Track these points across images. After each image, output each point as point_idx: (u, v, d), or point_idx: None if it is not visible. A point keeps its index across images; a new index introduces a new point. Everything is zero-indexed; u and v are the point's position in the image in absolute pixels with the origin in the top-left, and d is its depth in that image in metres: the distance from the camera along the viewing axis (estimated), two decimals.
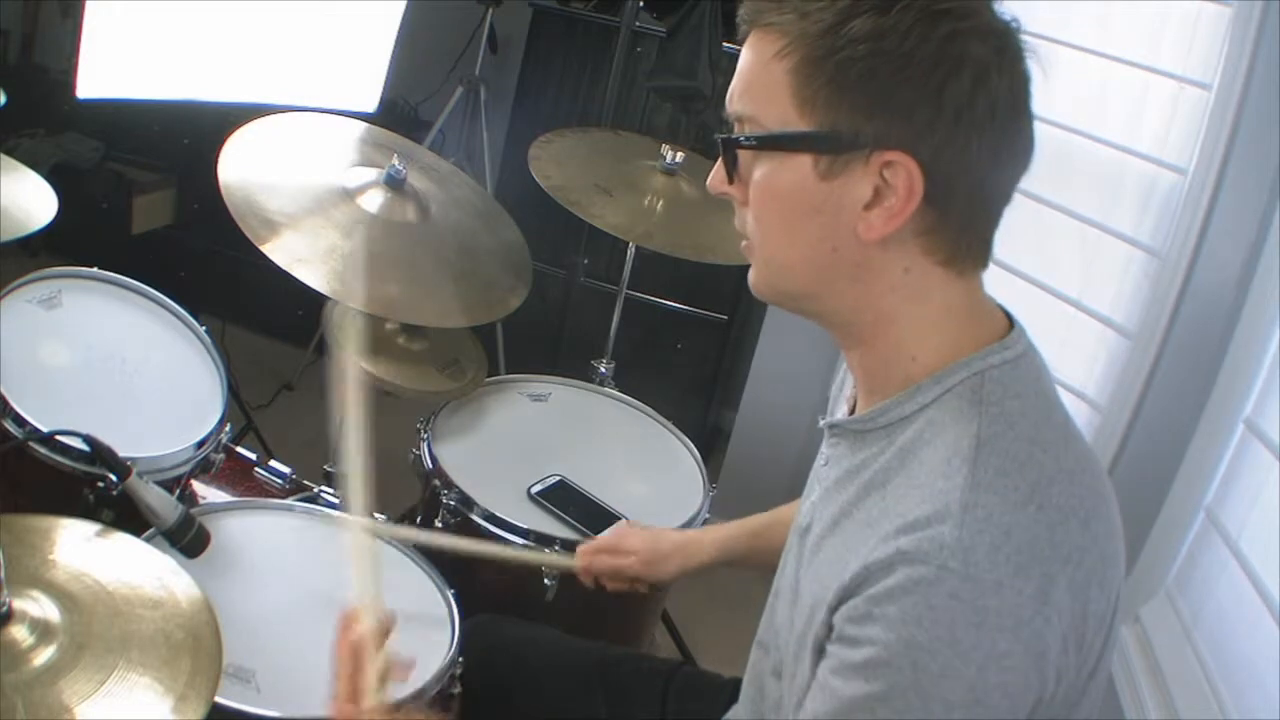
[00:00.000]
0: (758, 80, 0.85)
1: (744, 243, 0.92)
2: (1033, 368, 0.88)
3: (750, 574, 1.36)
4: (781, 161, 0.85)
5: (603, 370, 2.07)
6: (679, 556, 1.38)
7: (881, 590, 0.77)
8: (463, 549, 1.42)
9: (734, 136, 0.87)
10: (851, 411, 0.97)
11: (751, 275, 0.93)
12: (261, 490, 1.59)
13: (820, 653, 0.84)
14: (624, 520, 1.53)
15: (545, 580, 1.48)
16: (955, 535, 0.76)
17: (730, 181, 0.90)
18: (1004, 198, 0.86)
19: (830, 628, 0.82)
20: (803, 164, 0.83)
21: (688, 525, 1.59)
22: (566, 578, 1.48)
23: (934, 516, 0.78)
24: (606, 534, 1.43)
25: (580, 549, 1.42)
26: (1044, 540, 0.78)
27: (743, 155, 0.88)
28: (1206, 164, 1.61)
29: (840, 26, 0.80)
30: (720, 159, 0.90)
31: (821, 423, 0.99)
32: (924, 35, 0.79)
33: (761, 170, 0.86)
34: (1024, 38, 0.82)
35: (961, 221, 0.85)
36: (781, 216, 0.87)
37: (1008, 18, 0.82)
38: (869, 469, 0.88)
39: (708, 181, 0.93)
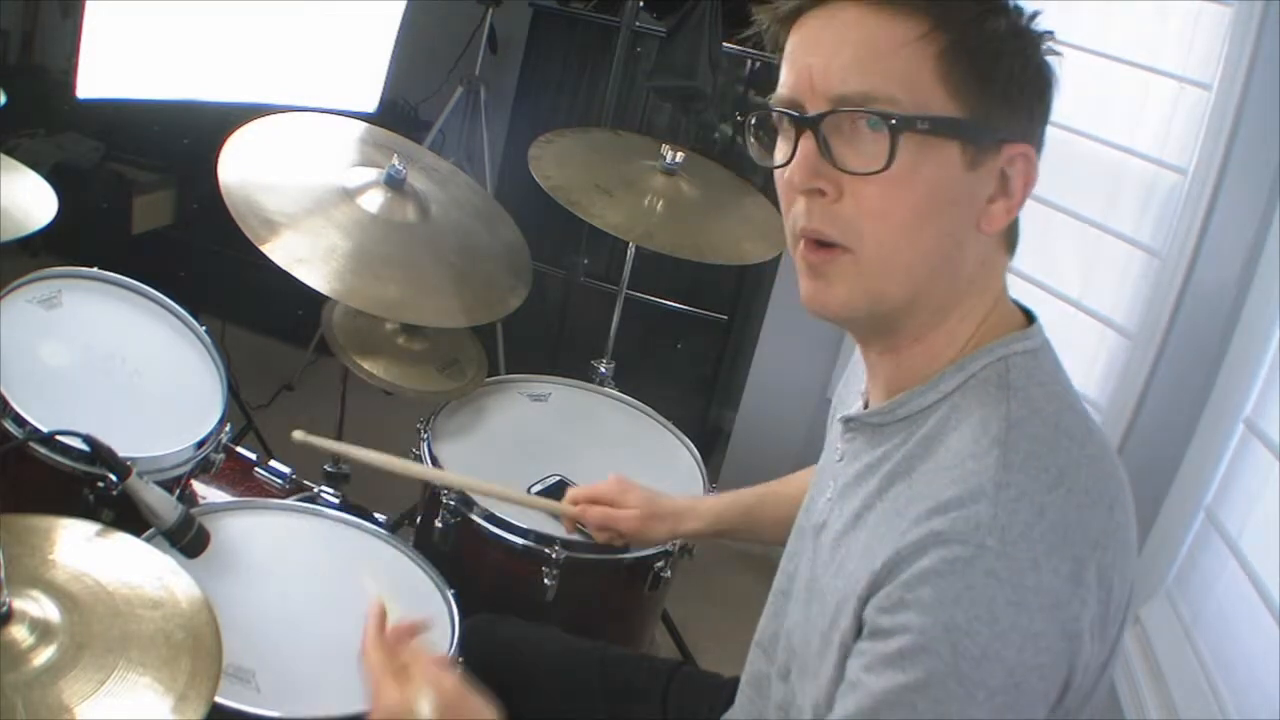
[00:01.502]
0: (894, 60, 0.80)
1: (811, 252, 0.84)
2: (1052, 361, 0.88)
3: (737, 542, 1.37)
4: (930, 148, 0.80)
5: (603, 370, 2.07)
6: (671, 521, 1.39)
7: (915, 573, 0.76)
8: (450, 482, 1.47)
9: (899, 115, 0.79)
10: (865, 406, 0.96)
11: (824, 288, 0.84)
12: (261, 490, 1.59)
13: (847, 651, 0.82)
14: (615, 475, 1.47)
15: (545, 580, 1.48)
16: (990, 513, 0.76)
17: (883, 166, 0.80)
18: None
19: (860, 623, 0.80)
20: (951, 152, 0.81)
21: None
22: (567, 575, 1.48)
23: (967, 496, 0.77)
24: (603, 485, 1.42)
25: (573, 494, 1.42)
26: (1074, 522, 0.78)
27: (862, 140, 0.80)
28: (1206, 164, 1.61)
29: (985, 19, 0.81)
30: (812, 147, 0.82)
31: (838, 417, 0.98)
32: (1037, 44, 0.84)
33: (909, 156, 0.80)
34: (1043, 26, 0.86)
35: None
36: (917, 208, 0.81)
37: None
38: (890, 460, 0.87)
39: (795, 173, 0.83)
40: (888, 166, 0.80)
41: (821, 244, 0.84)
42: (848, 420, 0.95)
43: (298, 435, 1.37)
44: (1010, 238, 0.89)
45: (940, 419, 0.85)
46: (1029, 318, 0.91)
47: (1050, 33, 0.85)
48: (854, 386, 1.02)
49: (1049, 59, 0.85)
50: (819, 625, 0.89)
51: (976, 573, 0.74)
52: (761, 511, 1.36)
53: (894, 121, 0.79)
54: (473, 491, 1.50)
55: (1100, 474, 0.82)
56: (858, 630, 0.81)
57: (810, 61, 0.83)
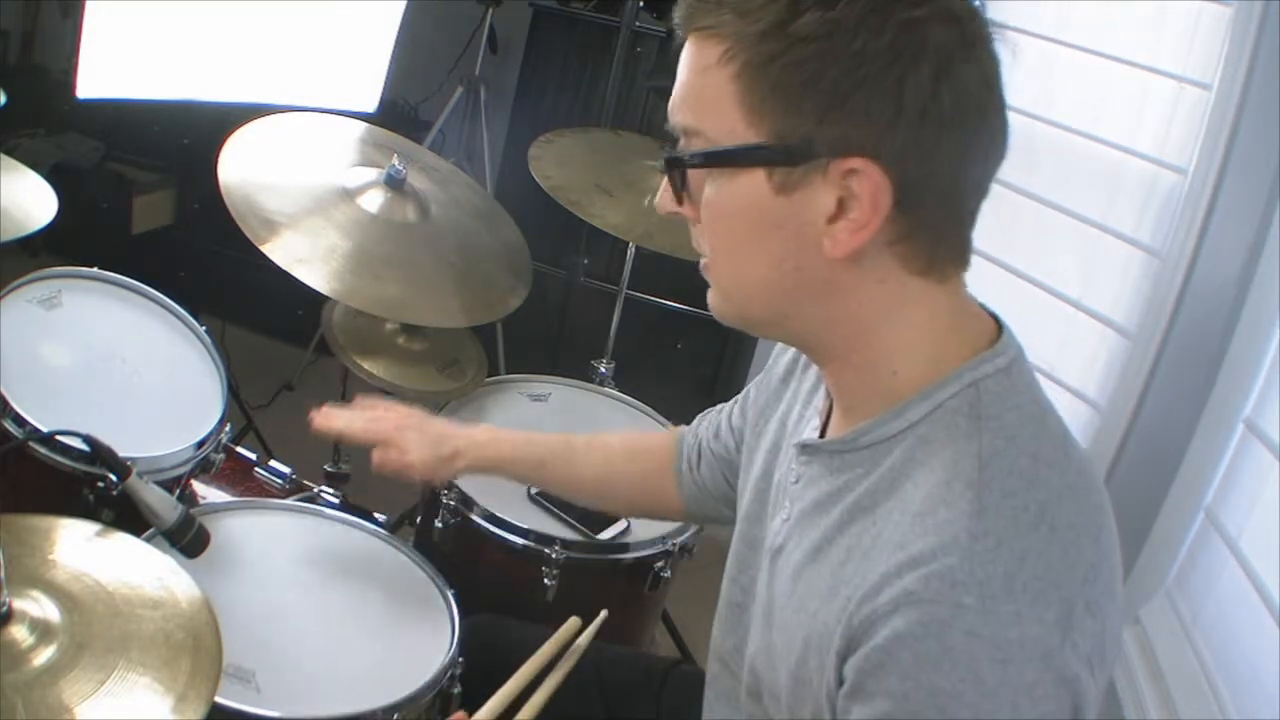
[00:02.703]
0: (699, 90, 0.78)
1: (702, 262, 0.86)
2: (1025, 374, 0.83)
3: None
4: (733, 178, 0.78)
5: (603, 370, 2.07)
6: (451, 464, 1.31)
7: (891, 636, 0.72)
8: None
9: (678, 154, 0.80)
10: (824, 425, 0.93)
11: (712, 298, 0.86)
12: (261, 490, 1.59)
13: (829, 701, 0.79)
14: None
15: (545, 580, 1.48)
16: (967, 569, 0.71)
17: (679, 201, 0.83)
18: (979, 193, 0.80)
19: (841, 678, 0.76)
20: (756, 179, 0.77)
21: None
22: (567, 575, 1.48)
23: (940, 549, 0.72)
24: (380, 424, 1.32)
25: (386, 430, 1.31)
26: (1059, 563, 0.73)
27: (691, 173, 0.81)
28: (1206, 164, 1.61)
29: (785, 25, 0.73)
30: (665, 179, 0.83)
31: (794, 443, 0.93)
32: (877, 27, 0.71)
33: (712, 188, 0.79)
34: (989, 19, 0.76)
35: (936, 225, 0.78)
36: (737, 236, 0.80)
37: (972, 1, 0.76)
38: (852, 492, 0.83)
39: (656, 202, 0.86)
40: (679, 202, 0.83)
41: None
42: (804, 446, 0.91)
43: None
44: (921, 257, 0.79)
45: (907, 451, 0.80)
46: (999, 326, 0.85)
47: (915, 5, 0.72)
48: (813, 404, 0.98)
49: (928, 35, 0.72)
50: (785, 660, 0.86)
51: (955, 634, 0.70)
52: (556, 468, 1.31)
53: (670, 160, 0.81)
54: None
55: (1083, 503, 0.78)
56: (839, 683, 0.77)
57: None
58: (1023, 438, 0.78)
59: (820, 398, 0.96)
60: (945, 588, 0.71)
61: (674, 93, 0.81)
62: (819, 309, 0.81)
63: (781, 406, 1.05)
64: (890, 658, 0.72)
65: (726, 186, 0.79)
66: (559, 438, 1.32)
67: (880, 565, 0.75)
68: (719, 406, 1.30)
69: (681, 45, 0.81)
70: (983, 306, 0.87)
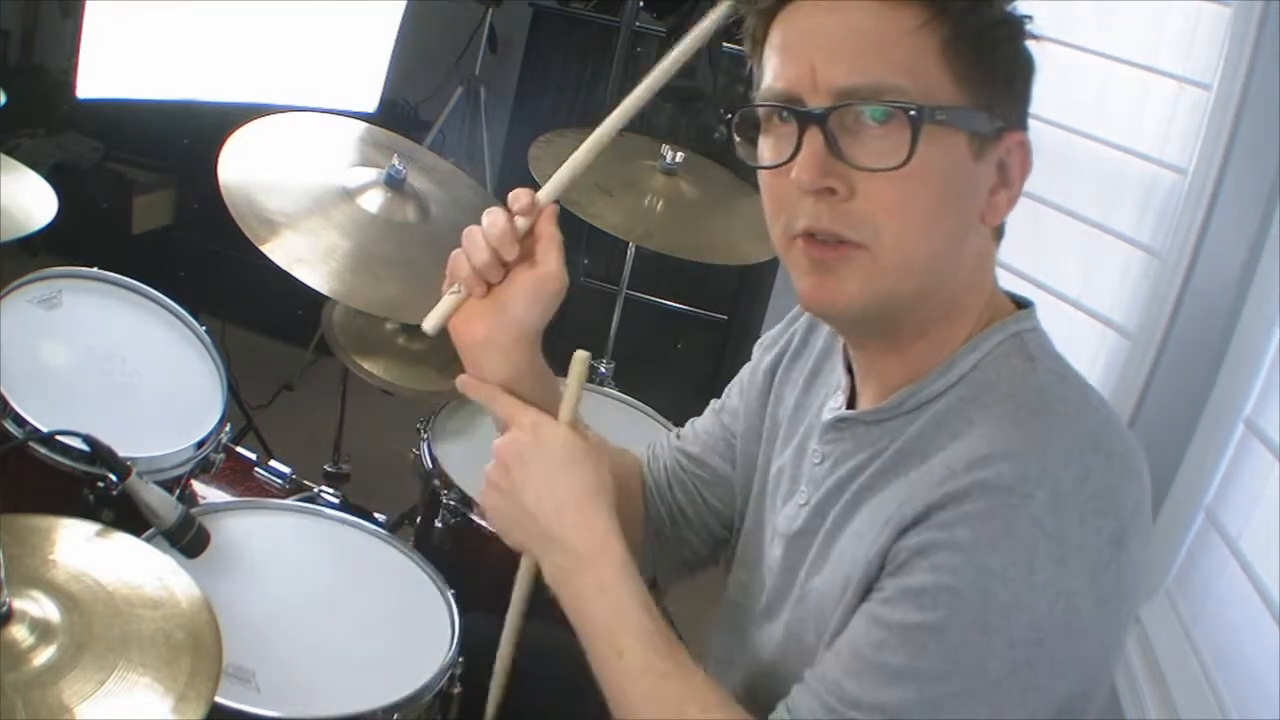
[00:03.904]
0: (897, 49, 0.77)
1: (821, 251, 0.79)
2: (1052, 343, 0.87)
3: None
4: (939, 139, 0.77)
5: (603, 370, 2.07)
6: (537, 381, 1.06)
7: (954, 515, 0.73)
8: None
9: (913, 105, 0.76)
10: (849, 402, 0.93)
11: (837, 285, 0.80)
12: (261, 490, 1.59)
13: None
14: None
15: (545, 580, 1.48)
16: (1039, 468, 0.73)
17: (903, 162, 0.76)
18: None
19: (881, 566, 0.78)
20: (959, 142, 0.79)
21: None
22: None
23: (1011, 451, 0.74)
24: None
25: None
26: (1117, 486, 0.75)
27: (869, 134, 0.77)
28: (1206, 164, 1.61)
29: (980, 6, 0.79)
30: (820, 145, 0.77)
31: (828, 417, 0.92)
32: (1020, 28, 0.81)
33: (924, 148, 0.76)
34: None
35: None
36: (933, 202, 0.79)
37: None
38: (896, 442, 0.84)
39: (804, 172, 0.78)
40: (908, 161, 0.76)
41: (828, 240, 0.80)
42: (838, 421, 0.91)
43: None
44: (1000, 228, 0.87)
45: (958, 397, 0.82)
46: (1019, 305, 0.90)
47: (1029, 17, 0.83)
48: (829, 384, 0.97)
49: (1029, 45, 0.84)
50: (811, 628, 0.87)
51: (1021, 519, 0.71)
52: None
53: (913, 113, 0.76)
54: None
55: (1127, 439, 0.80)
56: (879, 570, 0.78)
57: (810, 53, 0.79)
58: (1070, 377, 0.83)
59: (836, 378, 0.96)
60: (1017, 479, 0.72)
61: (843, 50, 0.78)
62: (949, 280, 0.83)
63: (771, 401, 1.05)
64: (948, 534, 0.73)
65: (935, 146, 0.77)
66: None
67: (941, 472, 0.76)
68: (669, 437, 1.21)
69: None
70: (1006, 291, 0.91)
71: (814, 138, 0.78)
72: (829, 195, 0.78)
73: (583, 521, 0.89)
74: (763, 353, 1.10)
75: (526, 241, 0.96)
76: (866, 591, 0.80)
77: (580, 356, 0.95)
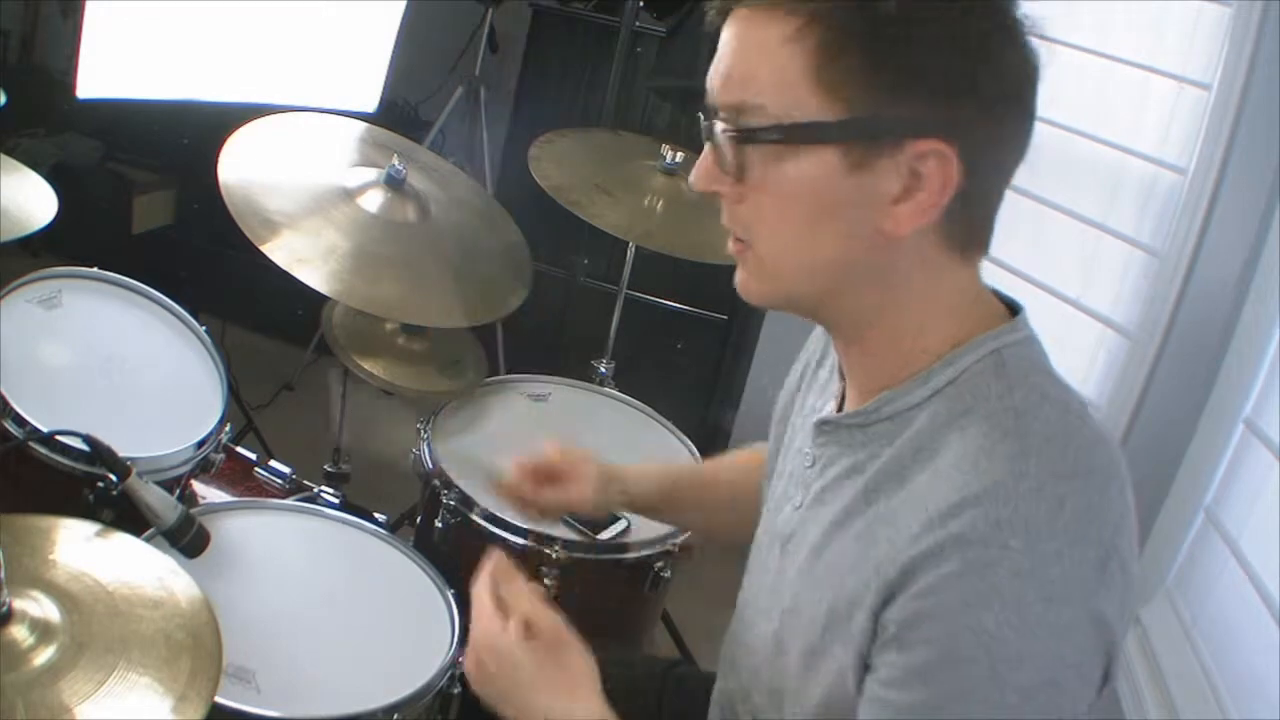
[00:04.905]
0: (761, 64, 0.77)
1: (732, 244, 0.85)
2: (1040, 351, 0.86)
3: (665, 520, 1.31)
4: (802, 155, 0.77)
5: (603, 370, 2.07)
6: (620, 481, 1.27)
7: (936, 579, 0.73)
8: None
9: (747, 127, 0.78)
10: (840, 407, 0.93)
11: (744, 279, 0.86)
12: (261, 490, 1.59)
13: (842, 668, 0.80)
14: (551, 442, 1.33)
15: (545, 581, 1.48)
16: (1010, 509, 0.72)
17: (738, 179, 0.81)
18: (1009, 182, 0.83)
19: (874, 635, 0.78)
20: (827, 156, 0.77)
21: None
22: (567, 575, 1.48)
23: (984, 494, 0.74)
24: (549, 456, 1.26)
25: (521, 466, 1.25)
26: (1096, 507, 0.75)
27: (748, 149, 0.79)
28: (1206, 164, 1.61)
29: (866, 6, 0.74)
30: (709, 153, 0.82)
31: (813, 421, 0.93)
32: (943, 11, 0.74)
33: (775, 165, 0.78)
34: (1027, 13, 0.79)
35: (983, 208, 0.82)
36: (800, 216, 0.80)
37: None
38: (876, 461, 0.84)
39: (693, 177, 0.84)
40: (740, 179, 0.80)
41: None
42: (822, 424, 0.91)
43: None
44: (960, 236, 0.82)
45: (931, 417, 0.81)
46: (1012, 310, 0.87)
47: (971, 6, 0.76)
48: (828, 389, 0.99)
49: (998, 24, 0.76)
50: (797, 644, 0.87)
51: (1002, 573, 0.71)
52: (713, 491, 1.29)
53: (735, 134, 0.79)
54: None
55: (1109, 454, 0.80)
56: (870, 639, 0.78)
57: (715, 65, 0.82)
58: (1051, 395, 0.80)
59: (831, 384, 0.97)
60: (991, 529, 0.72)
61: (721, 68, 0.80)
62: (865, 286, 0.82)
63: (794, 409, 1.06)
64: (936, 600, 0.73)
65: (793, 163, 0.78)
66: (689, 466, 1.33)
67: (918, 518, 0.76)
68: None
69: (715, 24, 0.81)
70: (999, 294, 0.89)
71: (708, 146, 0.82)
72: (722, 198, 0.84)
73: None
74: (798, 362, 1.12)
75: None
76: (848, 628, 0.80)
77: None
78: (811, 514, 0.90)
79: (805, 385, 1.06)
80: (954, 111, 0.75)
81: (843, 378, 0.93)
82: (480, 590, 1.00)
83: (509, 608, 0.97)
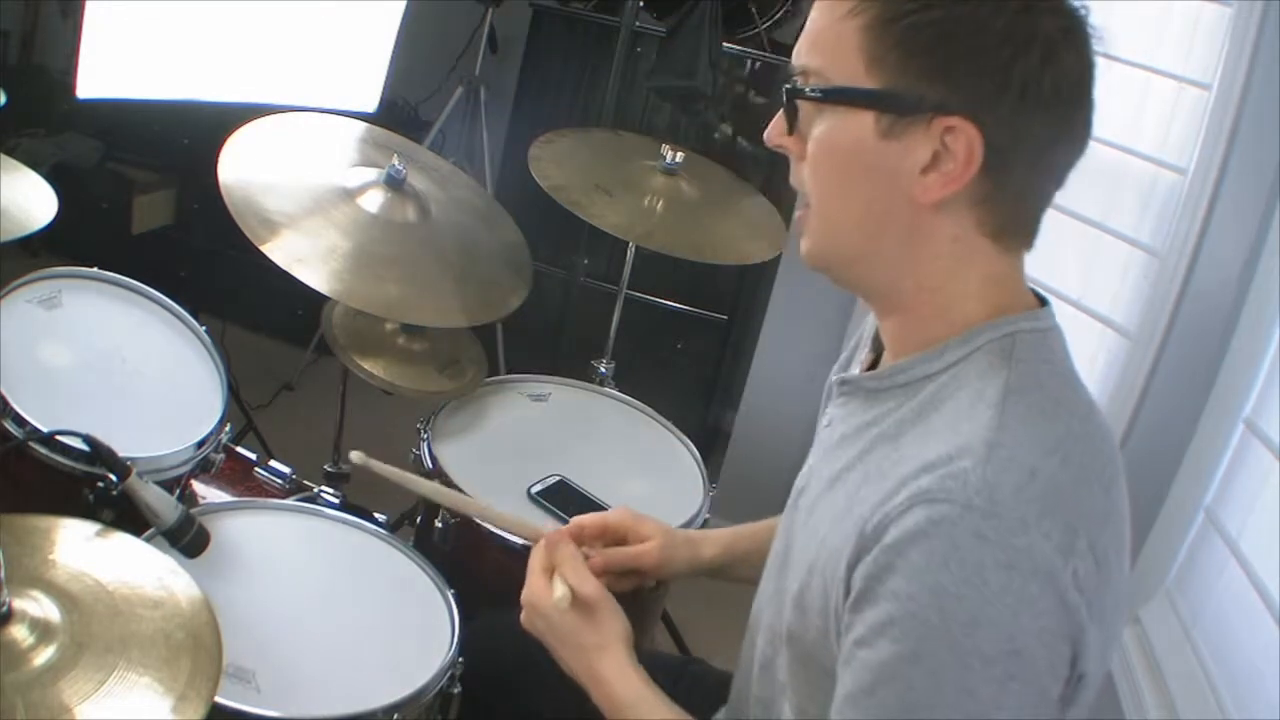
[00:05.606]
0: (827, 35, 0.86)
1: (798, 213, 0.92)
2: (1060, 344, 0.89)
3: (745, 583, 1.27)
4: (844, 117, 0.85)
5: (603, 370, 2.07)
6: (687, 546, 1.30)
7: (901, 535, 0.75)
8: (453, 504, 1.42)
9: (799, 87, 0.87)
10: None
11: (805, 242, 0.92)
12: (261, 490, 1.59)
13: (831, 620, 0.82)
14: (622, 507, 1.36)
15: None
16: (979, 472, 0.75)
17: (790, 133, 0.90)
18: (1057, 180, 0.88)
19: (849, 589, 0.79)
20: (864, 121, 0.84)
21: (688, 525, 1.59)
22: None
23: (955, 453, 0.77)
24: (612, 514, 1.28)
25: (581, 523, 1.24)
26: (1068, 490, 0.77)
27: (804, 108, 0.88)
28: (1206, 164, 1.61)
29: None
30: (782, 110, 0.90)
31: (834, 377, 0.99)
32: (998, 7, 0.80)
33: (823, 125, 0.87)
34: (1092, 22, 0.84)
35: (1016, 196, 0.86)
36: (837, 172, 0.87)
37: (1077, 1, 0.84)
38: (881, 424, 0.88)
39: (766, 133, 0.92)
40: (790, 133, 0.89)
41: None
42: (843, 382, 0.96)
43: (355, 456, 1.30)
44: (993, 222, 0.86)
45: (939, 386, 0.86)
46: (1041, 303, 0.91)
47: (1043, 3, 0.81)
48: (859, 354, 1.04)
49: (1040, 23, 0.80)
50: (790, 590, 0.89)
51: (964, 533, 0.73)
52: (765, 540, 1.32)
53: (789, 90, 0.87)
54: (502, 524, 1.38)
55: (1098, 453, 0.81)
56: (847, 595, 0.80)
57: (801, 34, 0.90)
58: (1051, 386, 0.84)
59: (866, 349, 1.01)
60: (957, 487, 0.75)
61: (803, 36, 0.89)
62: (897, 254, 0.87)
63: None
64: (899, 556, 0.75)
65: (837, 124, 0.86)
66: (750, 524, 1.34)
67: (896, 475, 0.79)
68: None
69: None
70: (1032, 289, 0.92)
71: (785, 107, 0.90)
72: (790, 154, 0.91)
73: (600, 691, 1.07)
74: (849, 339, 1.15)
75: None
76: (830, 614, 0.82)
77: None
78: (819, 470, 0.94)
79: (847, 361, 1.09)
80: (981, 97, 0.81)
81: (875, 349, 0.99)
82: (535, 554, 1.13)
83: (555, 572, 1.10)
